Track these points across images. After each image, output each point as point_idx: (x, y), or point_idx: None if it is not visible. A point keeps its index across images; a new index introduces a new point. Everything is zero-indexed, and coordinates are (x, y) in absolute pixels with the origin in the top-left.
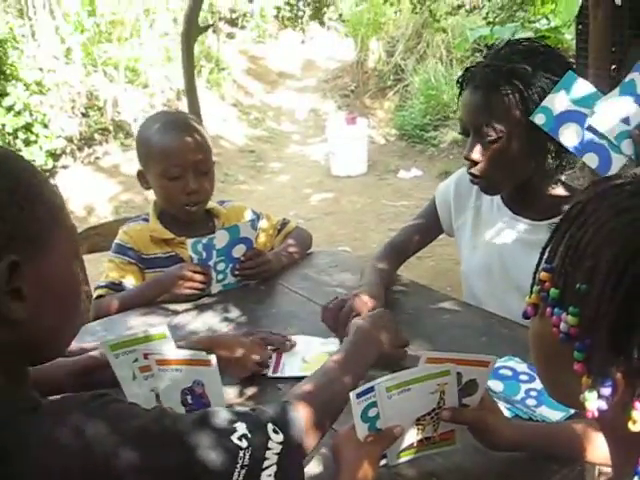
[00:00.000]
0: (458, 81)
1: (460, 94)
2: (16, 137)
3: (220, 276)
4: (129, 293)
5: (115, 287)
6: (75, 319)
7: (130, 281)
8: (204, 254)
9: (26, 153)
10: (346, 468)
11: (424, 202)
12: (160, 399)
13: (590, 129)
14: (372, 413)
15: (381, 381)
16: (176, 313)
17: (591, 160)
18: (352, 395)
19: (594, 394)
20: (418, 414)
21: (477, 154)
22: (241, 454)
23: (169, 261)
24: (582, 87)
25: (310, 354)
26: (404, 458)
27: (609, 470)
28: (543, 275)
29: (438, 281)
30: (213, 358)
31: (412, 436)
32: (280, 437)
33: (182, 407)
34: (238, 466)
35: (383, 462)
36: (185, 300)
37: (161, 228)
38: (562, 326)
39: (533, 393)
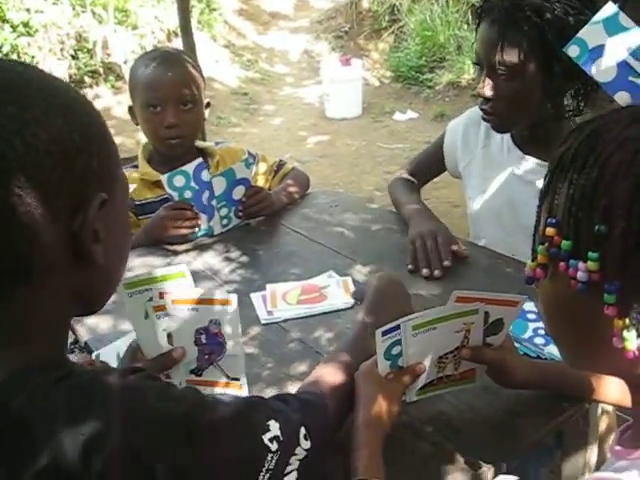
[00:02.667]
0: (476, 11)
1: (478, 26)
2: None
3: (224, 221)
4: None
5: None
6: (125, 266)
7: None
8: (184, 188)
9: None
10: (365, 404)
11: (420, 145)
12: (172, 338)
13: (625, 65)
14: (395, 351)
15: (408, 319)
16: (176, 253)
17: (622, 99)
18: (377, 332)
19: (633, 333)
20: (441, 352)
21: (490, 90)
22: (269, 457)
23: (161, 204)
24: (622, 21)
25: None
26: (423, 395)
27: (610, 408)
28: (549, 231)
29: None
30: (234, 297)
31: (433, 374)
32: (308, 444)
33: (194, 347)
34: (264, 470)
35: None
36: (183, 241)
37: (151, 170)
38: (580, 275)
39: (541, 331)
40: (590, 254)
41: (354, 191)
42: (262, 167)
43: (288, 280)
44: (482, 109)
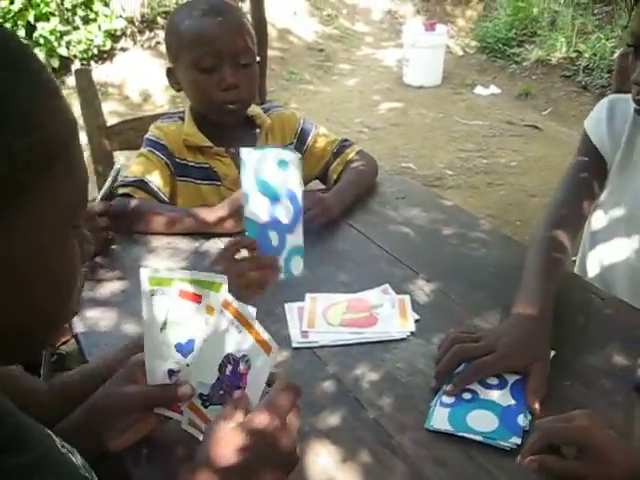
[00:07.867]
0: None
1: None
2: (75, 14)
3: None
4: (166, 213)
5: (141, 185)
6: (61, 310)
7: (156, 179)
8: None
9: (84, 32)
10: None
11: (499, 123)
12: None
13: None
14: None
15: None
16: (207, 237)
17: None
18: None
19: None
20: None
21: None
22: None
23: (200, 173)
24: None
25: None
26: None
27: None
28: None
29: (508, 213)
30: (275, 347)
31: None
32: None
33: (216, 372)
34: None
35: None
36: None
37: (196, 132)
38: None
39: None
40: None
41: (424, 166)
42: (320, 142)
43: (334, 289)
44: (637, 100)
